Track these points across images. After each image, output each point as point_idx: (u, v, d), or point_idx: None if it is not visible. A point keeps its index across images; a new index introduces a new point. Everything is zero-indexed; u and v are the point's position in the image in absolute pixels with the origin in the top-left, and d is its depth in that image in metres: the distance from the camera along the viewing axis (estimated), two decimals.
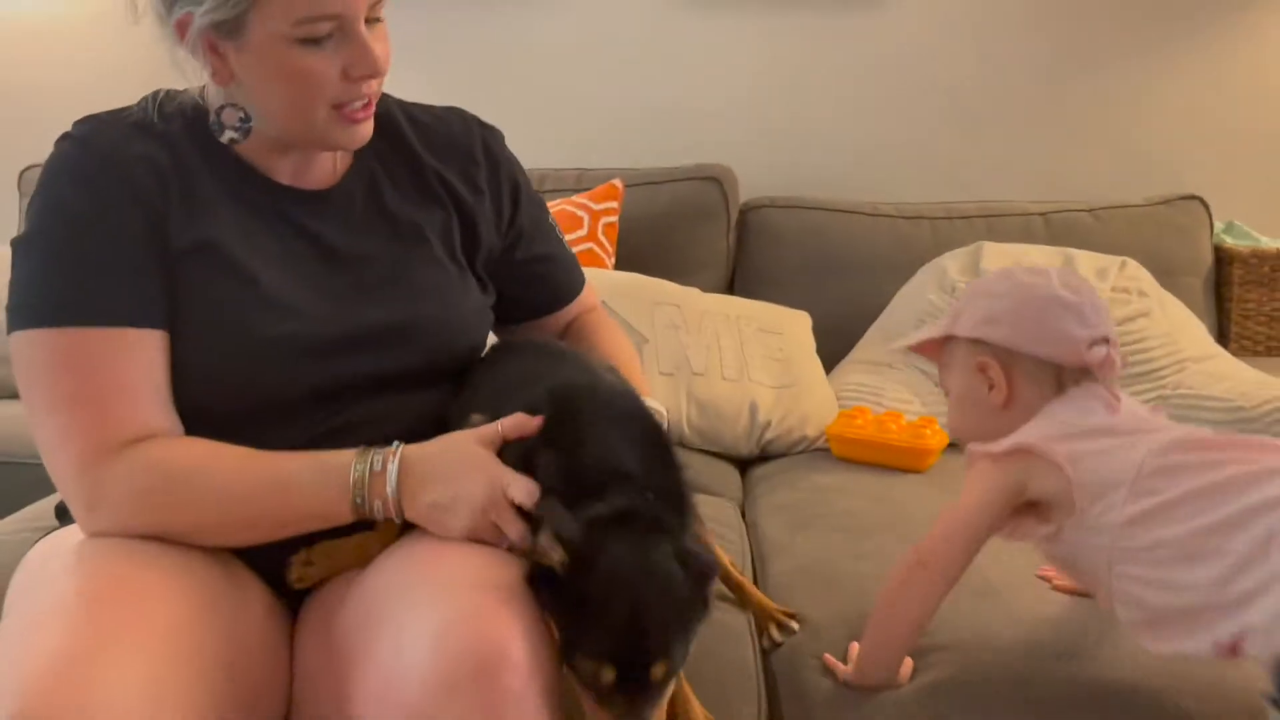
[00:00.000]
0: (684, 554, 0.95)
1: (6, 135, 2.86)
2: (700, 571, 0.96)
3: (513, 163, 1.35)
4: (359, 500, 1.05)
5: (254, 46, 1.07)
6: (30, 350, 1.06)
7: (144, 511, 1.04)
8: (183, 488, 1.05)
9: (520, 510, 1.02)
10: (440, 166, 1.27)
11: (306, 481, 1.06)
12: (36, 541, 1.15)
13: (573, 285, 1.43)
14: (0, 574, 1.13)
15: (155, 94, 1.17)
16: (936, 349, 1.29)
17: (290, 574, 1.11)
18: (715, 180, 2.57)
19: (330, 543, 1.11)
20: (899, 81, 2.80)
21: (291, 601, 1.15)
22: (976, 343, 1.21)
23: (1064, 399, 1.17)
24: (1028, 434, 1.14)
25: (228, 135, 1.15)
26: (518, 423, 1.08)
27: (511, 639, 0.90)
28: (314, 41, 1.06)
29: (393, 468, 1.05)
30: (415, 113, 1.29)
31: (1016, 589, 1.35)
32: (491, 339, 1.36)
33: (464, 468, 1.05)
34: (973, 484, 1.17)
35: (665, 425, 1.15)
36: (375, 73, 1.11)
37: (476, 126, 1.33)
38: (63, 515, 1.20)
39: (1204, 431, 1.15)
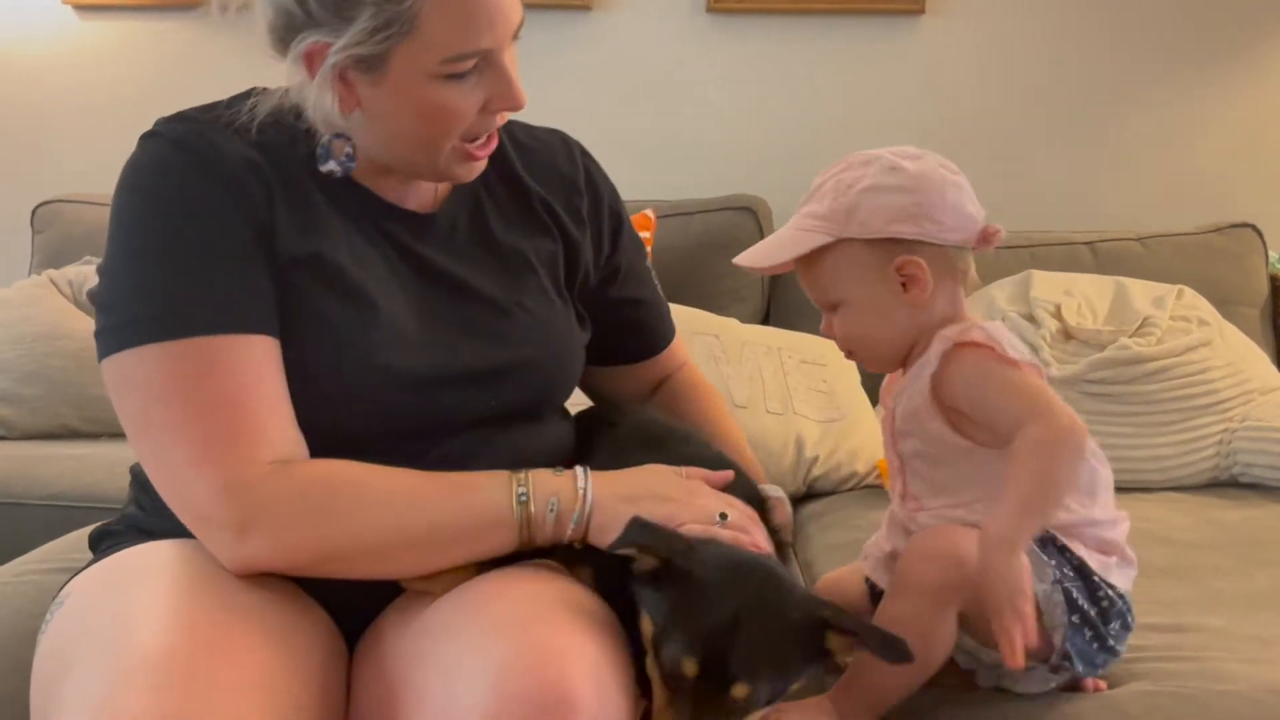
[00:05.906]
0: (803, 599, 0.96)
1: (19, 171, 2.82)
2: (818, 619, 0.94)
3: (615, 196, 1.29)
4: (523, 499, 1.00)
5: (393, 81, 1.01)
6: (145, 368, 0.97)
7: (307, 527, 0.97)
8: (349, 500, 0.99)
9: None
10: (545, 193, 1.21)
11: (483, 484, 1.01)
12: (68, 581, 1.07)
13: (665, 334, 1.37)
14: (30, 614, 1.10)
15: (247, 94, 1.08)
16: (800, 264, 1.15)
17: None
18: (749, 210, 2.51)
19: None
20: (938, 110, 2.75)
21: (349, 632, 1.08)
22: (886, 242, 1.09)
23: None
24: (1023, 353, 1.08)
25: (330, 166, 1.07)
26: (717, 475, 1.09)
27: (576, 681, 0.84)
28: (458, 76, 1.01)
29: (583, 479, 1.03)
30: (519, 134, 1.24)
31: None
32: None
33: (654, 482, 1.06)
34: (1006, 376, 1.05)
35: (788, 510, 1.13)
36: (517, 106, 1.07)
37: (580, 154, 1.27)
38: (96, 546, 1.13)
39: None
